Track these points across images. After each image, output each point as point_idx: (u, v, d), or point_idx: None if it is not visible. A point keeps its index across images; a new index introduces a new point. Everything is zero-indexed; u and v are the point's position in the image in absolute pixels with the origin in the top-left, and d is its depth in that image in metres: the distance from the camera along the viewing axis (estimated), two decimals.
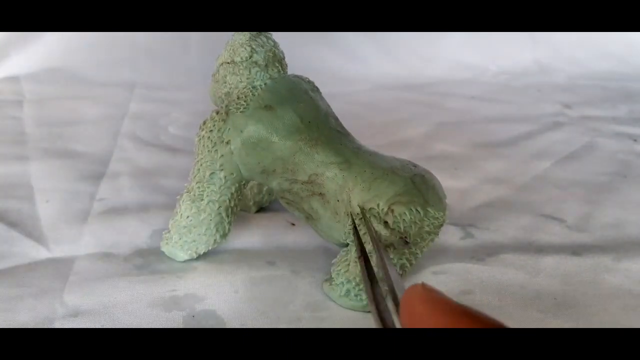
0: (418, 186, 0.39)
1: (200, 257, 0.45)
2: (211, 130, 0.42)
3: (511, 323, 0.38)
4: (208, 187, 0.43)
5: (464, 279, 0.44)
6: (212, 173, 0.42)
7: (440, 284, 0.43)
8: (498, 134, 0.80)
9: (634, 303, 0.41)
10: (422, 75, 1.15)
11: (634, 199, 0.59)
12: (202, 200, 0.43)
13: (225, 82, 0.44)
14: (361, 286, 0.39)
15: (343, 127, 0.44)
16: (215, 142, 0.42)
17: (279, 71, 0.44)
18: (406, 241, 0.39)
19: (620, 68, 1.23)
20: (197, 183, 0.43)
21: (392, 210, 0.38)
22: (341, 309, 0.40)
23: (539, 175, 0.66)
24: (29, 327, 0.37)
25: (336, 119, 0.44)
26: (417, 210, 0.38)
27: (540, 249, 0.48)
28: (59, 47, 1.05)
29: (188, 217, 0.43)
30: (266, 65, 0.43)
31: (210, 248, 0.45)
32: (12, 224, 0.49)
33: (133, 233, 0.49)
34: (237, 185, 0.43)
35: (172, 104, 0.91)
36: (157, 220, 0.51)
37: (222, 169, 0.42)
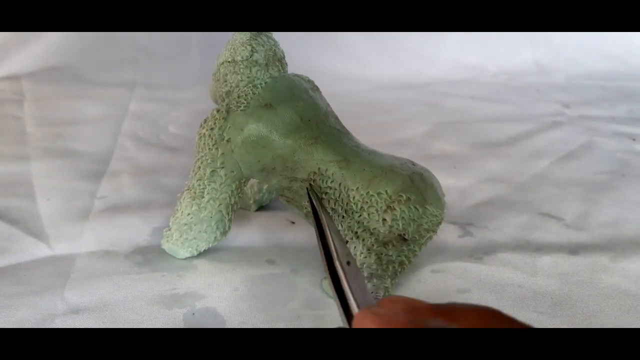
0: (417, 184, 0.39)
1: (200, 255, 0.45)
2: (212, 128, 0.42)
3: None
4: (208, 185, 0.43)
5: (462, 278, 0.44)
6: (212, 171, 0.43)
7: (439, 283, 0.43)
8: (497, 133, 0.81)
9: (631, 304, 0.41)
10: (422, 75, 1.15)
11: (632, 198, 0.59)
12: (202, 197, 0.43)
13: (226, 81, 0.44)
14: None
15: (342, 126, 0.45)
16: (215, 140, 0.42)
17: (279, 70, 0.44)
18: (404, 238, 0.39)
19: (619, 68, 1.23)
20: (197, 181, 0.43)
21: (391, 208, 0.39)
22: None
23: (537, 174, 0.66)
24: (31, 323, 0.37)
25: (336, 117, 0.45)
26: (415, 208, 0.39)
27: (539, 248, 0.48)
28: (59, 47, 1.05)
29: (189, 214, 0.43)
30: (266, 64, 0.43)
31: (210, 245, 0.45)
32: (14, 222, 0.50)
33: (134, 231, 0.49)
34: (237, 183, 0.44)
35: (172, 103, 0.91)
36: (157, 218, 0.51)
37: (222, 167, 0.43)
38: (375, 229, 0.39)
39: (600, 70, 1.21)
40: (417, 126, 0.83)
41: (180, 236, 0.44)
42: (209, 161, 0.43)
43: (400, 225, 0.39)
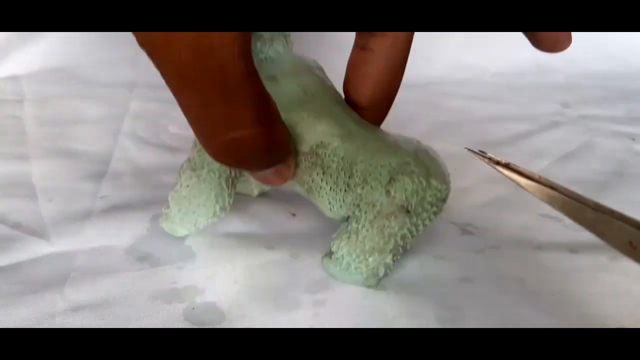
0: (421, 158, 0.39)
1: (199, 247, 0.45)
2: None
3: (507, 322, 0.39)
4: (208, 156, 0.42)
5: (464, 268, 0.44)
6: None
7: (442, 268, 0.44)
8: (497, 133, 0.81)
9: (631, 303, 0.41)
10: (422, 75, 1.15)
11: (632, 197, 0.59)
12: (202, 168, 0.43)
13: None
14: (361, 258, 0.39)
15: (346, 105, 0.44)
16: None
17: (283, 46, 0.43)
18: (407, 210, 0.38)
19: (619, 68, 1.23)
20: (197, 152, 0.43)
21: (394, 179, 0.38)
22: (342, 288, 0.40)
23: (537, 173, 0.66)
24: (31, 321, 0.37)
25: (340, 96, 0.44)
26: (419, 180, 0.38)
27: (539, 247, 0.49)
28: (59, 47, 1.05)
29: (188, 186, 0.43)
30: (271, 38, 0.43)
31: (209, 221, 0.45)
32: (15, 223, 0.50)
33: (134, 230, 0.49)
34: None
35: (172, 103, 0.89)
36: (158, 217, 0.51)
37: None
38: (377, 200, 0.38)
39: (600, 70, 1.21)
40: (416, 126, 0.83)
41: (179, 211, 0.44)
42: None
43: (404, 196, 0.38)
